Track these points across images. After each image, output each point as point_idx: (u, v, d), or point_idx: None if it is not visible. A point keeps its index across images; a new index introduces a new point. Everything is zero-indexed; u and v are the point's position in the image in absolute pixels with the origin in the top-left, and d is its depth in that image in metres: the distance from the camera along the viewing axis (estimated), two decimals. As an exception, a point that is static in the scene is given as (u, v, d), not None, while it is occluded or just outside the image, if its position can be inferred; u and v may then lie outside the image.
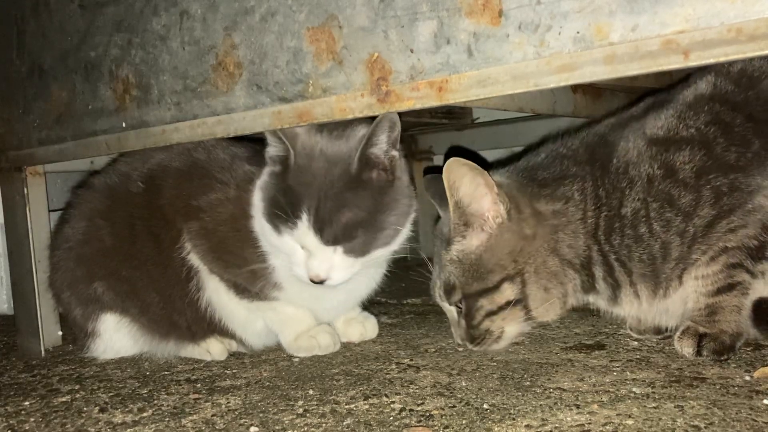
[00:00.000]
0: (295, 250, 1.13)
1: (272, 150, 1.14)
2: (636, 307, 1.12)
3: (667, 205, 1.04)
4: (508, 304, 1.10)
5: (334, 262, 1.11)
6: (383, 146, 1.10)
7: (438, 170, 1.13)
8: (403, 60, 0.90)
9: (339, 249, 1.11)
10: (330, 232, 1.08)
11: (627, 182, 1.07)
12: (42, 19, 1.35)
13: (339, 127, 1.14)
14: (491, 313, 1.11)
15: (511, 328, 1.14)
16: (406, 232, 1.18)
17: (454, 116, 2.01)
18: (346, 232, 1.09)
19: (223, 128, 1.10)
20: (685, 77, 1.18)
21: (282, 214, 1.10)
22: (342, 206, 1.08)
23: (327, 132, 1.14)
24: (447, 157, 1.07)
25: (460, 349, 1.21)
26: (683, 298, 1.09)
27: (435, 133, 2.32)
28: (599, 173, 1.10)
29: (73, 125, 1.32)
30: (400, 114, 1.06)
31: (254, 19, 1.04)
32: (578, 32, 0.76)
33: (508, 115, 2.04)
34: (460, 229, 1.11)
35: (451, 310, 1.17)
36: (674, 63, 0.71)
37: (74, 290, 1.33)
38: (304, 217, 1.08)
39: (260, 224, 1.17)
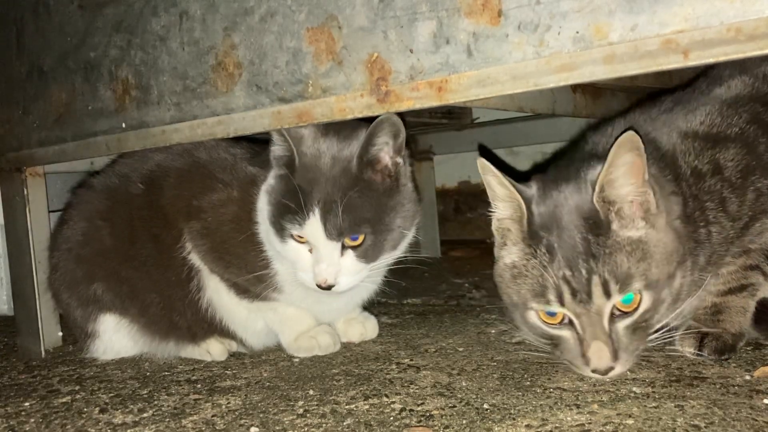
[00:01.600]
0: (300, 255, 1.13)
1: (277, 150, 1.14)
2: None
3: (721, 208, 1.01)
4: (678, 295, 0.95)
5: (342, 266, 1.11)
6: (385, 149, 1.11)
7: (489, 154, 1.05)
8: (402, 60, 0.90)
9: (350, 253, 1.11)
10: (337, 225, 1.08)
11: (683, 176, 1.02)
12: (41, 19, 1.35)
13: (345, 131, 1.14)
14: (666, 309, 0.95)
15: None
16: (411, 236, 1.19)
17: (454, 116, 2.01)
18: (353, 227, 1.09)
19: (222, 129, 1.10)
20: (698, 75, 1.17)
21: (295, 207, 1.09)
22: (348, 202, 1.08)
23: (333, 135, 1.14)
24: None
25: (595, 376, 0.96)
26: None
27: (435, 133, 2.32)
28: (663, 164, 1.03)
29: (72, 126, 1.32)
30: (400, 114, 1.06)
31: (254, 20, 1.04)
32: (577, 32, 0.76)
33: (508, 115, 2.04)
34: (623, 207, 0.94)
35: (598, 318, 0.93)
36: (674, 63, 0.71)
37: (74, 291, 1.33)
38: (316, 210, 1.08)
39: (265, 230, 1.17)
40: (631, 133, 0.90)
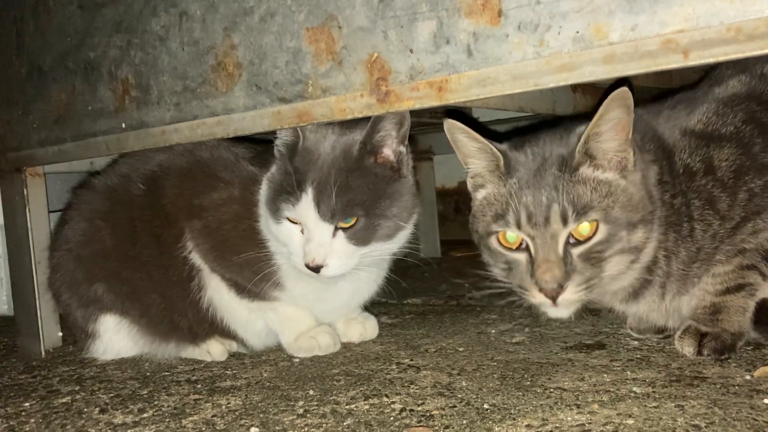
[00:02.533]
0: (293, 236, 1.12)
1: (282, 136, 1.15)
2: (653, 306, 1.10)
3: (708, 206, 1.02)
4: (636, 250, 0.98)
5: (333, 247, 1.10)
6: (388, 137, 1.11)
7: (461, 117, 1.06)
8: (402, 60, 0.90)
9: (341, 234, 1.10)
10: (330, 207, 1.08)
11: (676, 171, 1.03)
12: (41, 19, 1.35)
13: (349, 123, 1.14)
14: (620, 252, 0.97)
15: (604, 282, 0.99)
16: (408, 230, 1.18)
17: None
18: (346, 209, 1.08)
19: (222, 129, 1.10)
20: (704, 75, 1.17)
21: (290, 188, 1.10)
22: (344, 185, 1.08)
23: (338, 126, 1.15)
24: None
25: (542, 299, 0.97)
26: (690, 296, 1.09)
27: (435, 133, 2.32)
28: (660, 155, 1.05)
29: (72, 126, 1.32)
30: (401, 114, 1.06)
31: (253, 20, 1.04)
32: (577, 32, 0.76)
33: (507, 115, 2.04)
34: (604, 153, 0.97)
35: (553, 242, 0.95)
36: (673, 62, 0.71)
37: (74, 291, 1.33)
38: (309, 190, 1.09)
39: (264, 217, 1.17)
40: (624, 88, 0.91)
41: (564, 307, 0.98)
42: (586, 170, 0.97)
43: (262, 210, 1.18)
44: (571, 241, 0.96)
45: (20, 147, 1.43)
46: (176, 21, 1.13)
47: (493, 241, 1.02)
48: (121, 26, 1.21)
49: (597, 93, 1.37)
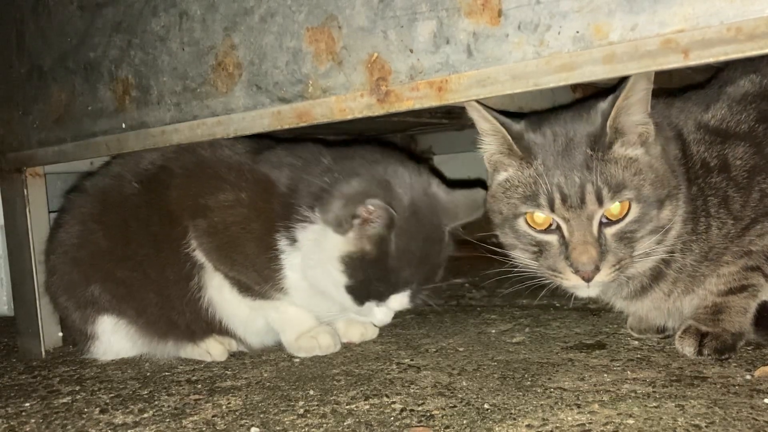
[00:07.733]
0: (372, 310, 1.18)
1: (376, 218, 1.11)
2: (658, 304, 1.10)
3: (724, 205, 1.02)
4: (663, 229, 0.98)
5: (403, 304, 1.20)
6: None
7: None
8: (402, 60, 0.90)
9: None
10: (420, 295, 1.20)
11: (693, 162, 1.04)
12: (41, 20, 1.35)
13: (422, 189, 1.20)
14: (651, 231, 0.97)
15: (633, 262, 0.99)
16: None
17: (454, 116, 2.00)
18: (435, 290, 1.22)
19: (222, 129, 1.10)
20: (710, 78, 1.17)
21: (385, 289, 1.15)
22: (437, 267, 1.20)
23: (415, 194, 1.18)
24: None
25: (576, 281, 0.98)
26: (692, 296, 1.09)
27: (435, 133, 2.32)
28: (678, 139, 1.05)
29: (72, 126, 1.32)
30: (400, 114, 1.06)
31: (254, 20, 1.04)
32: (577, 32, 0.76)
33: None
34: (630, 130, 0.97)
35: (587, 222, 0.95)
36: (673, 62, 0.71)
37: (71, 294, 1.33)
38: (407, 290, 1.16)
39: (331, 286, 1.17)
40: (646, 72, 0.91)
41: (595, 287, 0.99)
42: (618, 148, 0.96)
43: (331, 279, 1.16)
44: (604, 221, 0.96)
45: (20, 147, 1.43)
46: (176, 21, 1.13)
47: (520, 223, 1.01)
48: (121, 26, 1.21)
49: (597, 93, 1.37)
